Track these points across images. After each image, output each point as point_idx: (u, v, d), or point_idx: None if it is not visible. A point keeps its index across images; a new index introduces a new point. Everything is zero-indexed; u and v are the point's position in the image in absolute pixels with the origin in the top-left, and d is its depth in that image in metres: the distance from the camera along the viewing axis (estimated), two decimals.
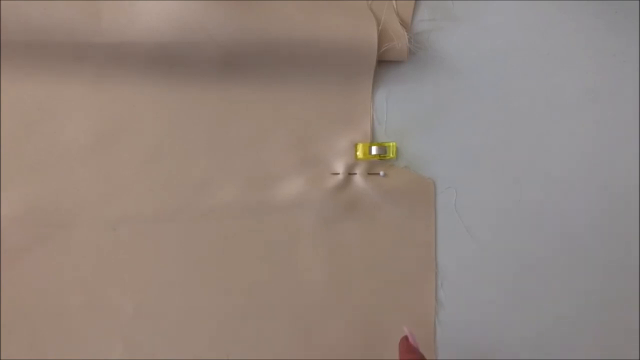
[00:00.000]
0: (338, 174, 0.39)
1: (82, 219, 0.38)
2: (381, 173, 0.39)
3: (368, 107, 0.40)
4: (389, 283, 0.39)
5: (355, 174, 0.39)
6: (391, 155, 0.39)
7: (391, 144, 0.39)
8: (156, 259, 0.38)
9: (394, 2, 0.40)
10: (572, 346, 0.41)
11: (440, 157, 0.40)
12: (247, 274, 0.39)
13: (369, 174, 0.39)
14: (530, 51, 0.41)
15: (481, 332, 0.40)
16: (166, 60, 0.37)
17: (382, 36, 0.38)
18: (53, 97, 0.38)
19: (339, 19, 0.38)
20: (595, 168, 0.41)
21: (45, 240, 0.37)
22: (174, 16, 0.36)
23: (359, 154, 0.39)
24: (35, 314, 0.37)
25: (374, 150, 0.39)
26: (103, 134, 0.38)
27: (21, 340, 0.37)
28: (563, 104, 0.41)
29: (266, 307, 0.39)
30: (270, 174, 0.39)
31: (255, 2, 0.37)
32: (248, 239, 0.39)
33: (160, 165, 0.38)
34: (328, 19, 0.37)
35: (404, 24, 0.39)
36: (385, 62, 0.40)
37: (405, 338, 0.34)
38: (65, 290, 0.37)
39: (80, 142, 0.38)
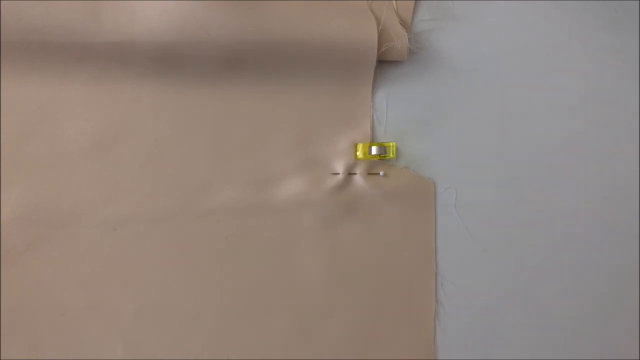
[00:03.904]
0: (338, 174, 0.39)
1: (82, 219, 0.38)
2: (381, 173, 0.39)
3: (368, 107, 0.40)
4: (389, 283, 0.39)
5: (355, 174, 0.39)
6: (391, 155, 0.39)
7: (391, 144, 0.39)
8: (156, 259, 0.38)
9: (394, 2, 0.40)
10: (572, 346, 0.41)
11: (440, 157, 0.40)
12: (247, 274, 0.39)
13: (369, 174, 0.39)
14: (530, 51, 0.41)
15: (481, 332, 0.40)
16: (166, 60, 0.37)
17: (382, 36, 0.38)
18: (53, 97, 0.38)
19: (339, 19, 0.38)
20: (595, 168, 0.41)
21: (45, 240, 0.37)
22: (174, 16, 0.36)
23: (359, 154, 0.39)
24: (35, 314, 0.37)
25: (374, 150, 0.39)
26: (103, 134, 0.38)
27: (21, 340, 0.37)
28: (563, 104, 0.41)
29: (266, 307, 0.39)
30: (270, 174, 0.39)
31: (256, 2, 0.37)
32: (248, 239, 0.39)
33: (160, 165, 0.38)
34: (328, 19, 0.37)
35: (404, 24, 0.39)
36: (385, 62, 0.40)
37: None
38: (65, 290, 0.37)
39: (81, 142, 0.38)
